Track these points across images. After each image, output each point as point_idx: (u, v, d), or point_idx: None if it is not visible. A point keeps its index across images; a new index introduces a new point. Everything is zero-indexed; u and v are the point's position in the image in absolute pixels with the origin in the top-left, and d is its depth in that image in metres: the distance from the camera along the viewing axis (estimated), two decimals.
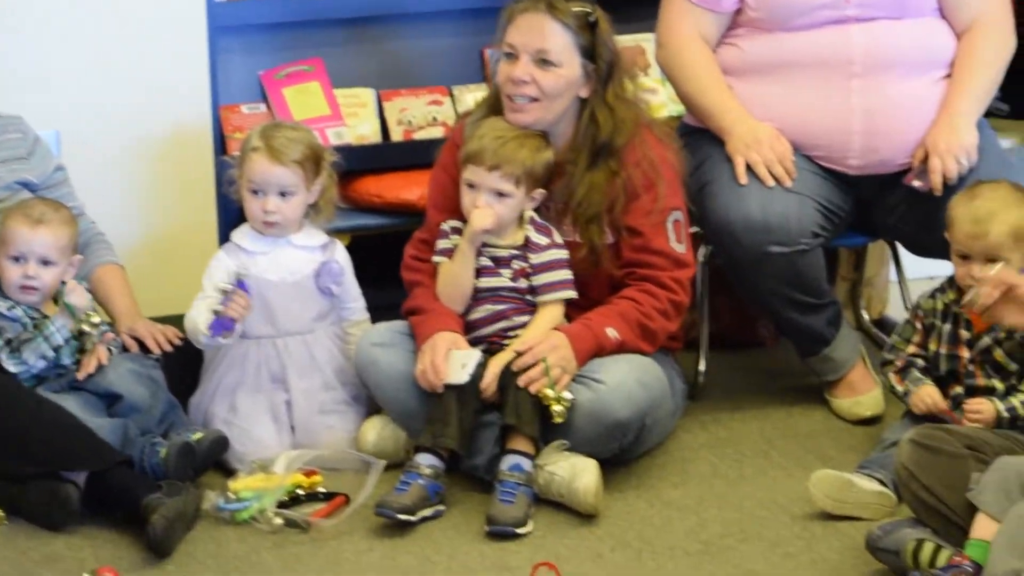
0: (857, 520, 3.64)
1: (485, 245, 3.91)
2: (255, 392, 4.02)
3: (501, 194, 3.86)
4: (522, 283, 3.93)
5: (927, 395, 3.73)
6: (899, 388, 3.80)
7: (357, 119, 4.60)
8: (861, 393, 4.27)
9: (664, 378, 3.94)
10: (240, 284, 3.90)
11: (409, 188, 4.44)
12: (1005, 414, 3.62)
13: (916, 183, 4.06)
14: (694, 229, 4.16)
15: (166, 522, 3.49)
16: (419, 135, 4.62)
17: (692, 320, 4.45)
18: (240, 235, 4.06)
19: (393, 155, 4.56)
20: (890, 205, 4.20)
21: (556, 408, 3.70)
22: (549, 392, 3.70)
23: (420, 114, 4.64)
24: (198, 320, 3.91)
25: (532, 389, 3.71)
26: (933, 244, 3.89)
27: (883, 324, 4.76)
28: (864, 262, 4.81)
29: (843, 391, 4.29)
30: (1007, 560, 3.06)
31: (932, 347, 3.80)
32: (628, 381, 3.81)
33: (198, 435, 3.85)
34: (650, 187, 3.91)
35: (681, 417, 4.20)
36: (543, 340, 3.79)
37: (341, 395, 4.09)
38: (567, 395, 3.73)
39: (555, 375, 3.72)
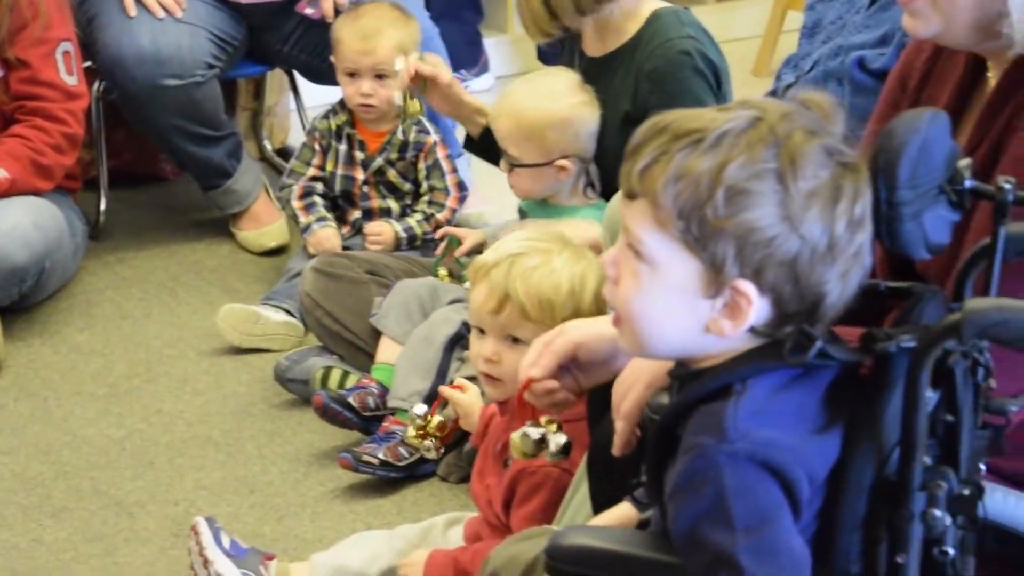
0: (266, 352, 3.65)
1: None
2: None
3: None
4: None
5: (325, 239, 3.75)
6: (303, 220, 3.80)
7: None
8: (266, 224, 4.27)
9: (62, 219, 3.82)
10: None
11: None
12: (403, 235, 3.70)
13: (308, 11, 4.05)
14: (87, 63, 4.03)
15: None
16: None
17: (91, 158, 4.33)
18: None
19: None
20: (284, 33, 4.18)
21: None
22: None
23: None
24: None
25: None
26: (329, 70, 3.90)
27: (285, 153, 4.75)
28: (263, 91, 4.77)
29: (248, 223, 4.28)
30: (410, 381, 3.14)
31: (330, 168, 3.82)
32: (23, 224, 3.67)
33: None
34: (36, 16, 3.76)
35: (84, 258, 4.08)
36: None
37: None
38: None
39: None
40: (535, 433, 2.06)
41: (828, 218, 1.54)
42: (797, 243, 1.53)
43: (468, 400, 2.82)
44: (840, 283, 1.56)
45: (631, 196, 1.59)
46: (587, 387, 2.05)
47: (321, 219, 3.78)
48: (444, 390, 2.89)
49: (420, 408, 2.97)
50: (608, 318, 1.70)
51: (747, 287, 1.55)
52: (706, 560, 1.53)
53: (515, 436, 2.08)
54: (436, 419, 2.94)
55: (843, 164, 1.56)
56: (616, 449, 1.89)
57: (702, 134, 1.55)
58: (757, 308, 1.56)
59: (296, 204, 3.82)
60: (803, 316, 1.56)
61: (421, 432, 2.95)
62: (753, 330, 1.58)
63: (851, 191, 1.55)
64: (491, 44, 5.56)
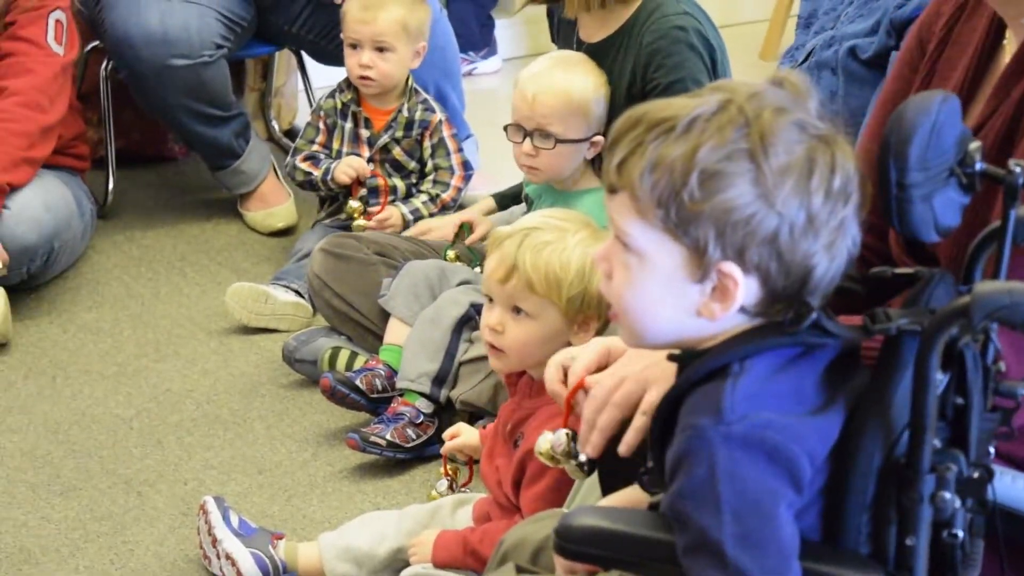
0: (274, 332, 3.66)
1: None
2: None
3: None
4: None
5: (348, 164, 3.73)
6: (316, 173, 3.78)
7: None
8: (273, 205, 4.28)
9: (71, 199, 3.84)
10: None
11: None
12: (410, 218, 3.70)
13: None
14: (95, 43, 4.06)
15: None
16: None
17: (99, 137, 4.34)
18: None
19: None
20: (293, 14, 4.19)
21: None
22: None
23: None
24: None
25: None
26: (336, 51, 3.90)
27: (293, 134, 4.75)
28: (272, 72, 4.78)
29: (256, 204, 4.29)
30: (419, 363, 3.14)
31: (336, 146, 3.81)
32: (33, 204, 3.69)
33: None
34: None
35: (92, 238, 4.09)
36: None
37: None
38: None
39: None
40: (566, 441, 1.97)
41: (803, 192, 1.54)
42: (775, 220, 1.54)
43: (468, 439, 2.80)
44: (827, 255, 1.57)
45: (612, 190, 1.60)
46: None
47: (333, 159, 3.78)
48: (444, 450, 2.85)
49: (442, 484, 2.94)
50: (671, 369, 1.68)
51: (732, 269, 1.55)
52: (691, 542, 1.54)
53: (547, 439, 2.02)
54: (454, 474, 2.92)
55: (817, 137, 1.56)
56: (624, 447, 1.87)
57: (673, 122, 1.55)
58: (744, 288, 1.56)
59: (303, 165, 3.80)
60: (793, 292, 1.57)
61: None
62: (744, 310, 1.58)
63: (826, 164, 1.55)
64: (499, 26, 5.56)
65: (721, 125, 1.55)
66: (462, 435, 2.81)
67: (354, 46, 3.72)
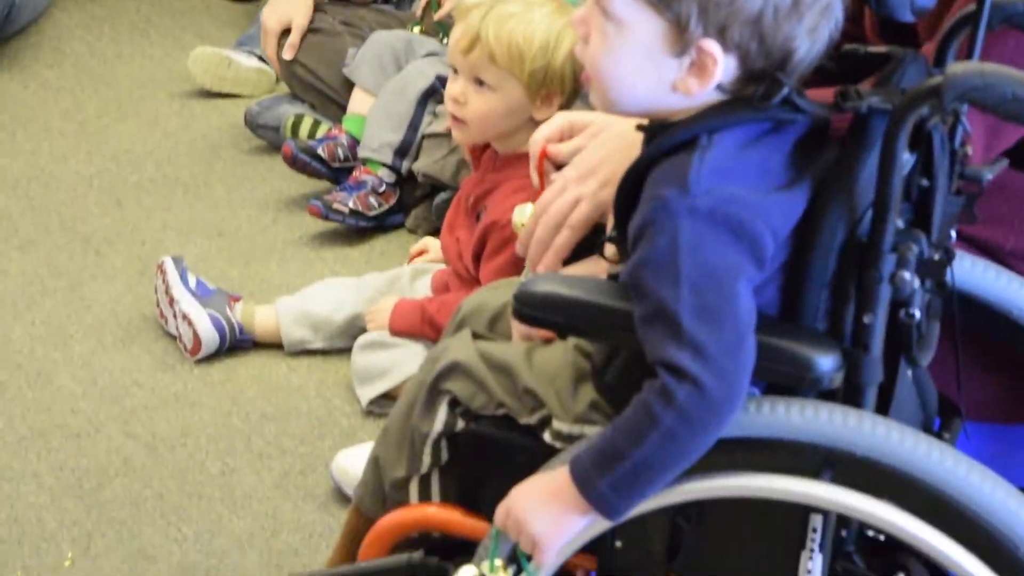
0: (237, 97, 3.63)
1: None
2: None
3: None
4: None
5: None
6: None
7: None
8: None
9: None
10: None
11: None
12: None
13: None
14: None
15: None
16: None
17: None
18: None
19: None
20: None
21: None
22: None
23: None
24: None
25: None
26: None
27: None
28: None
29: None
30: (382, 133, 3.12)
31: None
32: None
33: None
34: None
35: None
36: None
37: None
38: None
39: None
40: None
41: None
42: (760, 1, 1.52)
43: (436, 255, 2.79)
44: (809, 38, 1.55)
45: None
46: None
47: None
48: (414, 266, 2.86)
49: None
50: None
51: (712, 46, 1.53)
52: (648, 311, 1.53)
53: (524, 209, 2.02)
54: None
55: None
56: (543, 267, 1.87)
57: None
58: (723, 66, 1.54)
59: None
60: (771, 72, 1.55)
61: None
62: (721, 88, 1.57)
63: None
64: None
65: None
66: (430, 251, 2.80)
67: None
